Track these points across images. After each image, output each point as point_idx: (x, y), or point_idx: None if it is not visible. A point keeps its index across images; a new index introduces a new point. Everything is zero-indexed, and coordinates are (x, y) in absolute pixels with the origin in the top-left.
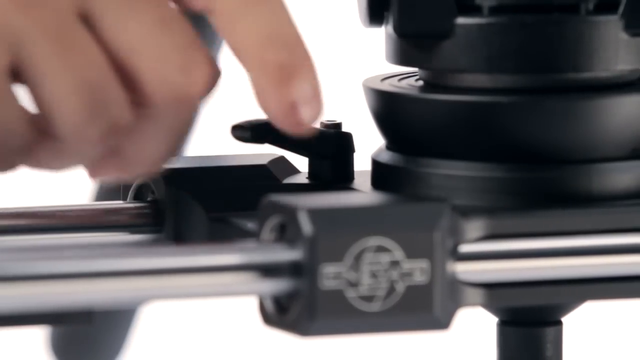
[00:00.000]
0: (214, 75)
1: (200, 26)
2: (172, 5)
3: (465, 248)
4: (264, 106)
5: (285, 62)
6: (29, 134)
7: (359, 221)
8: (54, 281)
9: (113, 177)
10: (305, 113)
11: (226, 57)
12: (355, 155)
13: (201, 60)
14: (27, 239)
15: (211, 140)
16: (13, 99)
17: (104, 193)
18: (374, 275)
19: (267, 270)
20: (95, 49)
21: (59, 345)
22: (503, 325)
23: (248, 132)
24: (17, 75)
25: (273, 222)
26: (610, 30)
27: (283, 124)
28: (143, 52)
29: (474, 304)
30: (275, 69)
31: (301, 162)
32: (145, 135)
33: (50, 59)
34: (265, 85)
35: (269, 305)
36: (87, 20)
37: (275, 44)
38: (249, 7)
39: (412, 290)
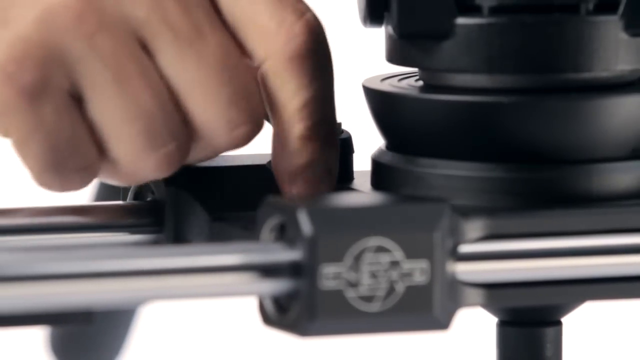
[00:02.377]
0: (256, 131)
1: None
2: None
3: (465, 248)
4: (276, 167)
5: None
6: (91, 153)
7: (358, 221)
8: (53, 281)
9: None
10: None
11: None
12: (355, 156)
13: (249, 118)
14: (27, 239)
15: None
16: (76, 119)
17: (103, 193)
18: (373, 275)
19: (267, 271)
20: (152, 78)
21: (58, 346)
22: (503, 326)
23: None
24: (77, 98)
25: (273, 222)
26: (610, 30)
27: (283, 187)
28: (196, 96)
29: (473, 304)
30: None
31: None
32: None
33: (107, 86)
34: (290, 150)
35: (269, 306)
36: (146, 50)
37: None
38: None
39: (411, 290)
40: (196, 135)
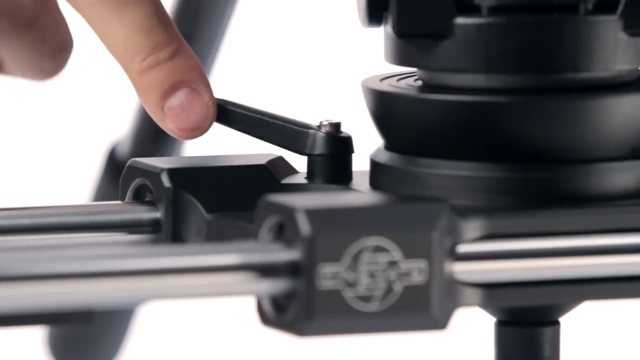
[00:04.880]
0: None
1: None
2: None
3: (463, 248)
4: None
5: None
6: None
7: (357, 221)
8: (50, 281)
9: None
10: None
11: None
12: (354, 155)
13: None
14: (24, 239)
15: (209, 140)
16: None
17: (102, 193)
18: (371, 275)
19: (265, 270)
20: None
21: (56, 346)
22: (501, 325)
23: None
24: None
25: (271, 222)
26: (609, 30)
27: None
28: None
29: (471, 304)
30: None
31: (300, 163)
32: None
33: None
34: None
35: (267, 305)
36: None
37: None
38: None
39: (409, 290)
40: None
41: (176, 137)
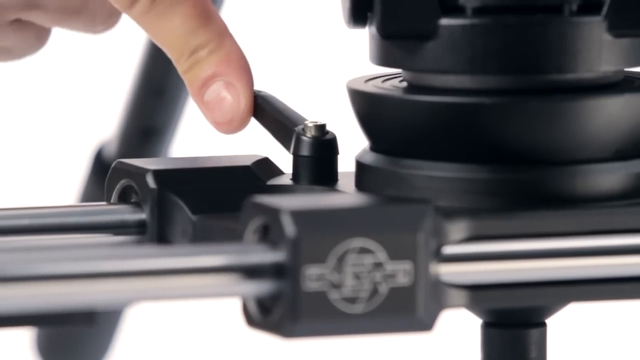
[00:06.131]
0: None
1: None
2: None
3: (448, 249)
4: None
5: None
6: None
7: (342, 222)
8: (34, 283)
9: None
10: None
11: None
12: (340, 157)
13: None
14: (7, 241)
15: (195, 141)
16: None
17: (89, 194)
18: (357, 276)
19: (250, 272)
20: None
21: (44, 346)
22: (487, 327)
23: None
24: None
25: (256, 223)
26: (594, 31)
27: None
28: None
29: (457, 305)
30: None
31: (285, 164)
32: None
33: None
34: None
35: (252, 307)
36: None
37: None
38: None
39: (395, 291)
40: None
41: (220, 133)
